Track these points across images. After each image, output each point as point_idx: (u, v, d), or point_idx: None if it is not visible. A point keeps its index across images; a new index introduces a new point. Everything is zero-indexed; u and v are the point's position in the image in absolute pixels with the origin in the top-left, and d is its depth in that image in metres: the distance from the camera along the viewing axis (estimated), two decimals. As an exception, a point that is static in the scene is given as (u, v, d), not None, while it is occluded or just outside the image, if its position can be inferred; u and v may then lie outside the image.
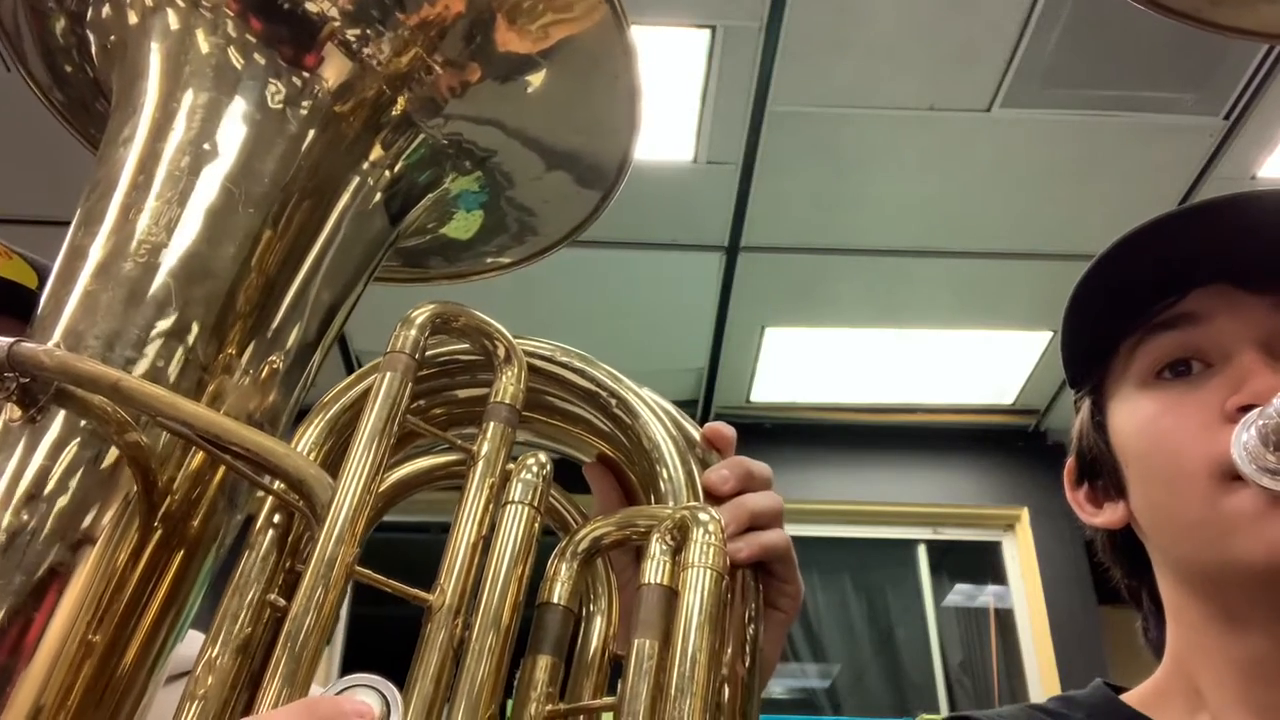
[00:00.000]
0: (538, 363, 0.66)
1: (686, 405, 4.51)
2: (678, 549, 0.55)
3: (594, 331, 4.00)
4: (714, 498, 0.62)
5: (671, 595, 0.53)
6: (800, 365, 4.38)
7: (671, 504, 0.61)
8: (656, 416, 0.66)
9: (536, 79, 0.69)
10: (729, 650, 0.57)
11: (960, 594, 4.76)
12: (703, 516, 0.56)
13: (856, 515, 4.59)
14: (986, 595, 4.71)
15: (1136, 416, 0.81)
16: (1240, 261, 0.78)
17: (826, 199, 3.51)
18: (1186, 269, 0.79)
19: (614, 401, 0.66)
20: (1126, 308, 0.82)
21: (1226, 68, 2.99)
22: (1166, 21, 0.62)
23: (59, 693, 0.48)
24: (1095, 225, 3.44)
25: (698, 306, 4.01)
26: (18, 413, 0.51)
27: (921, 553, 4.65)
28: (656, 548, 0.55)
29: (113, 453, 0.52)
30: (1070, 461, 0.91)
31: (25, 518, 0.50)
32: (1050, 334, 4.07)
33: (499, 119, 0.70)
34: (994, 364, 4.34)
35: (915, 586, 4.62)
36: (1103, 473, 0.87)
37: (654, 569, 0.54)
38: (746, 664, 0.58)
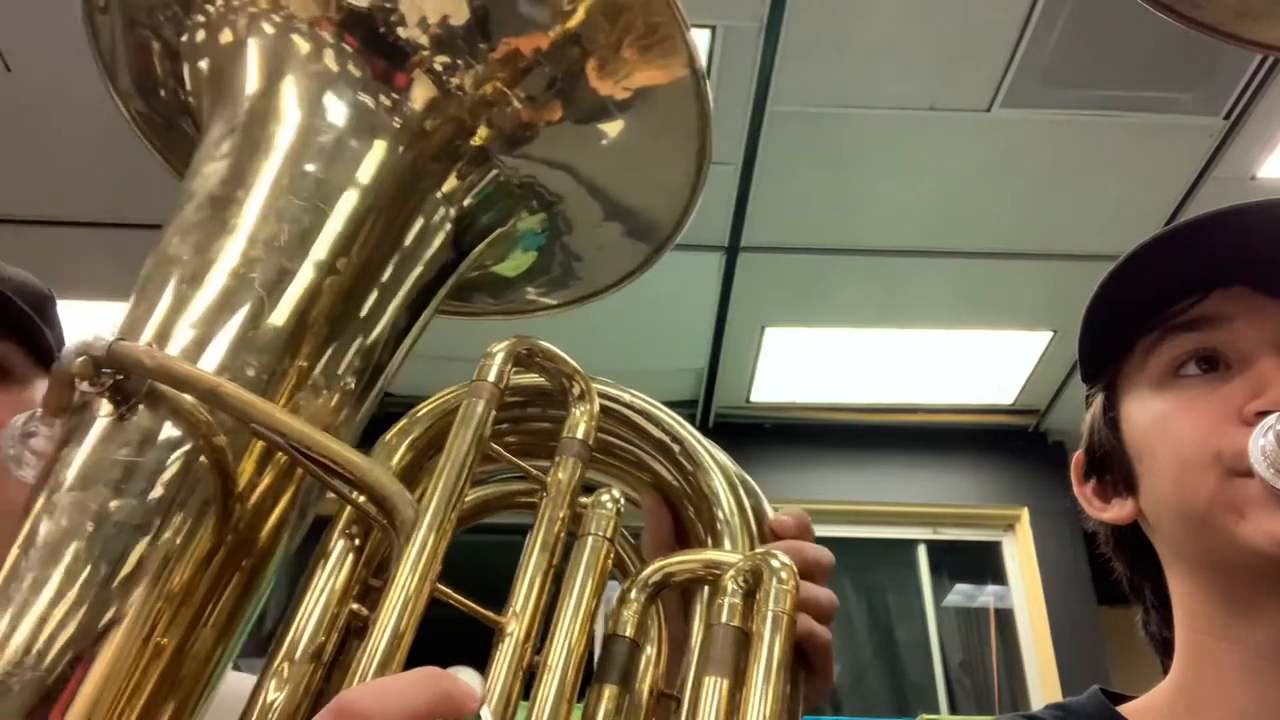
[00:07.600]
0: (608, 404, 0.68)
1: (686, 405, 4.51)
2: (749, 593, 0.57)
3: (593, 330, 4.00)
4: None
5: (743, 637, 0.55)
6: (800, 365, 4.38)
7: (728, 544, 0.63)
8: (725, 478, 0.67)
9: (612, 129, 0.70)
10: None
11: (960, 594, 4.76)
12: (775, 563, 0.57)
13: (856, 515, 4.58)
14: (986, 595, 4.71)
15: (1152, 413, 0.82)
16: (1262, 265, 0.79)
17: (826, 199, 3.51)
18: (1208, 271, 0.80)
19: (678, 449, 0.68)
20: (1146, 306, 0.82)
21: (1226, 68, 2.99)
22: (1167, 21, 0.62)
23: (128, 687, 0.48)
24: (1095, 225, 3.44)
25: (698, 306, 4.00)
26: (109, 408, 0.52)
27: (921, 553, 4.65)
28: (730, 585, 0.57)
29: (194, 456, 0.52)
30: (1079, 455, 0.92)
31: (114, 505, 0.50)
32: (1050, 334, 4.07)
33: (571, 164, 0.71)
34: (994, 364, 4.34)
35: (915, 586, 4.62)
36: (1113, 468, 0.87)
37: (727, 610, 0.56)
38: None
